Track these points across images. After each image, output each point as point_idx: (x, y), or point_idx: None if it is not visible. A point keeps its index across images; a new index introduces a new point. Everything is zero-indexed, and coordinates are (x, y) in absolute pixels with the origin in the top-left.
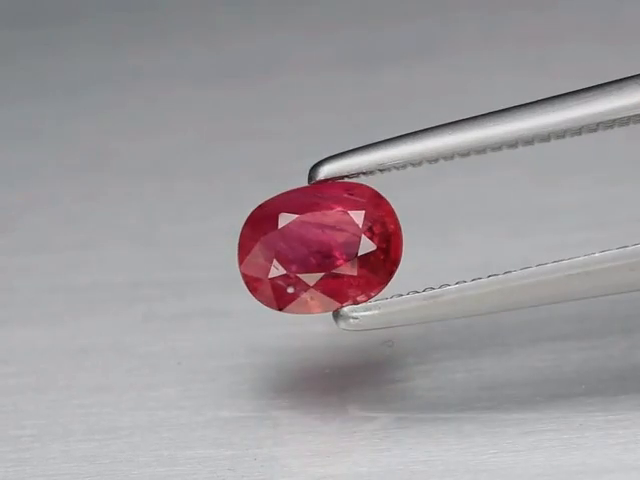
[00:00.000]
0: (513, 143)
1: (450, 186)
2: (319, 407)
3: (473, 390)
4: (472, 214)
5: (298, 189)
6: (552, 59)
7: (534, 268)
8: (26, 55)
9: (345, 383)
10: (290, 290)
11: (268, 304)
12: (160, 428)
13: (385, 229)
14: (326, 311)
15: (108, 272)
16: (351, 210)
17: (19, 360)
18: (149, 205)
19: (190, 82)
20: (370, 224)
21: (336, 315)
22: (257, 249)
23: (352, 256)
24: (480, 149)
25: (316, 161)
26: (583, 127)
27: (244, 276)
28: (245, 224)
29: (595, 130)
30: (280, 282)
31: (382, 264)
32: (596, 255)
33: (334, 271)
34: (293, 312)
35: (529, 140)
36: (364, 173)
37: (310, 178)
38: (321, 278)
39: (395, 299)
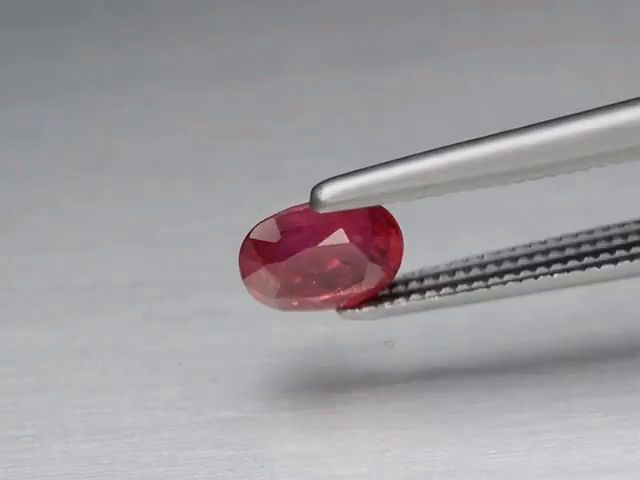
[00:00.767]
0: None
1: None
2: (319, 407)
3: (473, 390)
4: (472, 215)
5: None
6: (552, 59)
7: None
8: (26, 55)
9: (345, 383)
10: (295, 303)
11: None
12: (160, 428)
13: (387, 244)
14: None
15: (108, 272)
16: (352, 235)
17: (19, 360)
18: (149, 205)
19: (190, 82)
20: (372, 248)
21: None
22: (261, 272)
23: (357, 280)
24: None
25: (319, 180)
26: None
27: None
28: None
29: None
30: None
31: (384, 276)
32: None
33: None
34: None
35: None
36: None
37: (312, 202)
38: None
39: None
